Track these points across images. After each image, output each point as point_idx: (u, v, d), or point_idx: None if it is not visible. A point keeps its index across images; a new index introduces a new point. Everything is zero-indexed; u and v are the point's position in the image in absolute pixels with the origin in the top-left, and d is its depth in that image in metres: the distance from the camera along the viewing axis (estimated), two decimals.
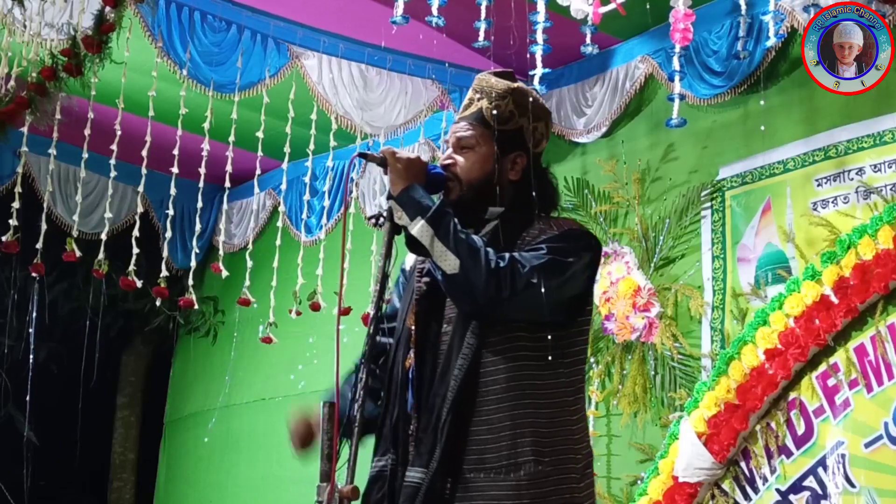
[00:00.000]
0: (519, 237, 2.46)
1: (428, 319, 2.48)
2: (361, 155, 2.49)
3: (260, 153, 5.63)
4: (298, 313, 5.89)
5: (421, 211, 2.36)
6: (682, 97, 4.77)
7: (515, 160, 2.54)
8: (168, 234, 5.65)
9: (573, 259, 2.40)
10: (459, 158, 2.53)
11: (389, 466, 2.41)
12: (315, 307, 5.89)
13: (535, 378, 2.36)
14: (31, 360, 6.36)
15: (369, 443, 2.48)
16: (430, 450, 2.32)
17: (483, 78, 2.61)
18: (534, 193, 2.50)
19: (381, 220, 2.41)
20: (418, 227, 2.35)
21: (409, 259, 2.65)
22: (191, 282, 5.56)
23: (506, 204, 2.51)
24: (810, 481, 4.52)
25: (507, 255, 2.36)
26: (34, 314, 6.48)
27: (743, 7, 4.53)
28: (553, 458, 2.33)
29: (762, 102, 5.03)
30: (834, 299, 4.46)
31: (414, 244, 2.38)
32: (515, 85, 2.58)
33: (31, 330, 6.51)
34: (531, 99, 2.59)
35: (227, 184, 5.64)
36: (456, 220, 2.38)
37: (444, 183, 2.51)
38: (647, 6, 4.80)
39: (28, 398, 6.30)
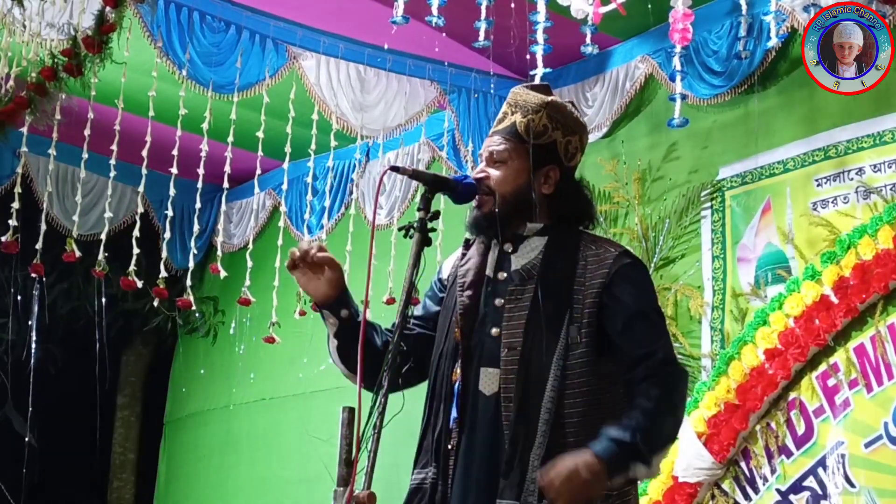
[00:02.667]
0: (573, 261, 2.45)
1: (472, 333, 2.48)
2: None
3: (260, 153, 5.63)
4: (303, 313, 5.88)
5: (629, 458, 2.29)
6: (682, 97, 4.77)
7: (548, 174, 2.51)
8: (167, 235, 5.63)
9: (662, 313, 2.53)
10: (493, 172, 2.51)
11: (430, 480, 2.41)
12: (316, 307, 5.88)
13: (614, 405, 2.37)
14: (32, 361, 6.35)
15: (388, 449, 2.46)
16: (520, 481, 2.31)
17: (517, 91, 2.60)
18: (564, 206, 2.55)
19: (412, 231, 2.39)
20: (640, 472, 2.33)
21: (447, 268, 2.64)
22: (189, 282, 5.54)
23: (542, 218, 2.50)
24: (810, 481, 4.52)
25: (654, 393, 2.33)
26: (35, 314, 6.47)
27: (743, 7, 4.53)
28: (620, 490, 2.36)
29: (761, 102, 5.03)
30: (834, 299, 4.46)
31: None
32: (550, 98, 2.56)
33: (32, 324, 6.49)
34: (566, 112, 2.57)
35: (227, 184, 5.63)
36: (640, 434, 2.29)
37: (474, 194, 2.50)
38: (648, 6, 4.81)
39: (30, 399, 6.28)
